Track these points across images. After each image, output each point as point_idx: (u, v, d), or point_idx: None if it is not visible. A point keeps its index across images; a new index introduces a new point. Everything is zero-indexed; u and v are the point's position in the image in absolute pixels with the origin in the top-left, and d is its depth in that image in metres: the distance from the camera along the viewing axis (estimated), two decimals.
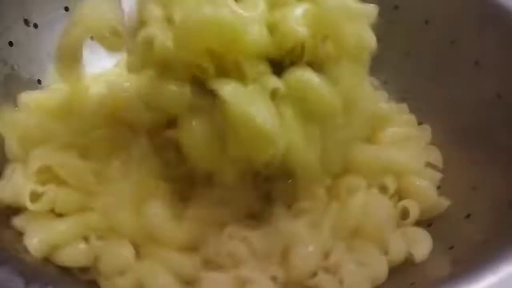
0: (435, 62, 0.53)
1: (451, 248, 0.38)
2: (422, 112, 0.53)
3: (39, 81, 0.50)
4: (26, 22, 0.49)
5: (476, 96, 0.48)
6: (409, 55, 0.56)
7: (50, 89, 0.50)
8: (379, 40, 0.36)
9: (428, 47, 0.54)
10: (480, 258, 0.29)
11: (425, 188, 0.43)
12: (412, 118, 0.52)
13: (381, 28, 0.41)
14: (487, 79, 0.47)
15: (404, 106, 0.54)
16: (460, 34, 0.51)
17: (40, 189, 0.35)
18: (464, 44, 0.50)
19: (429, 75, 0.54)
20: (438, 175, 0.45)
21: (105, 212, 0.35)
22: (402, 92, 0.56)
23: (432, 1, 0.54)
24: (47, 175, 0.36)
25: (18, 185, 0.35)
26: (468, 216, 0.40)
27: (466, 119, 0.48)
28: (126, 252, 0.34)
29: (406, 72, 0.56)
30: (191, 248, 0.35)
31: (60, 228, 0.35)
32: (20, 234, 0.35)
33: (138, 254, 0.35)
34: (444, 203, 0.43)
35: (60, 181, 0.36)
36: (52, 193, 0.35)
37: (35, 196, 0.35)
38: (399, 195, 0.44)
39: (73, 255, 0.34)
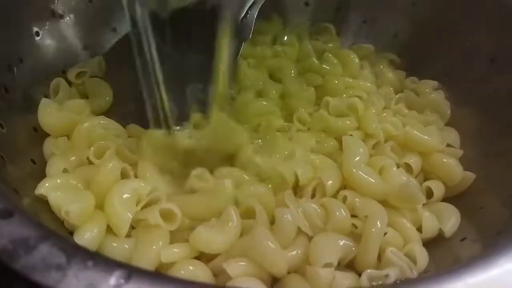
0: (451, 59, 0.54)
1: (463, 239, 0.39)
2: None
3: (63, 71, 0.52)
4: (53, 12, 0.51)
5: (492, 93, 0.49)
6: (425, 52, 0.58)
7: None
8: None
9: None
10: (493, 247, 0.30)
11: (451, 165, 0.45)
12: (440, 93, 0.53)
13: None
14: (502, 76, 0.48)
15: (434, 83, 0.55)
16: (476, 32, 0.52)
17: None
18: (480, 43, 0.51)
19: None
20: (460, 152, 0.47)
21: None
22: None
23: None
24: None
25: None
26: (481, 208, 0.41)
27: (483, 114, 0.49)
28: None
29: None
30: None
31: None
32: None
33: None
34: (470, 177, 0.44)
35: None
36: None
37: None
38: (426, 174, 0.46)
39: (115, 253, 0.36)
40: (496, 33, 0.49)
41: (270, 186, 0.41)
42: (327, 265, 0.34)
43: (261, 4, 0.51)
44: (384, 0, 0.60)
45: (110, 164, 0.39)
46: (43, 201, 0.38)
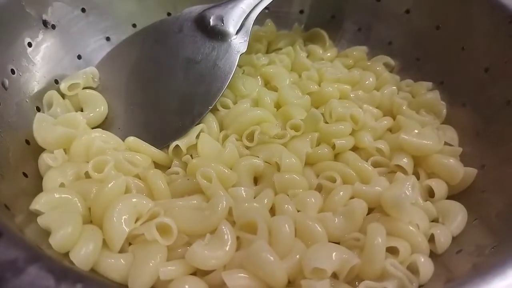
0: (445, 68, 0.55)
1: (459, 251, 0.39)
2: None
3: (56, 81, 0.51)
4: (45, 23, 0.50)
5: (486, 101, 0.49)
6: (420, 60, 0.58)
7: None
8: None
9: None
10: (489, 263, 0.30)
11: (451, 165, 0.45)
12: (435, 93, 0.53)
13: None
14: (495, 85, 0.48)
15: (428, 84, 0.55)
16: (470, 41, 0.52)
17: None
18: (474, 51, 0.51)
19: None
20: (459, 150, 0.47)
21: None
22: None
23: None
24: None
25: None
26: (475, 219, 0.41)
27: (477, 123, 0.49)
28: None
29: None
30: None
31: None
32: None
33: None
34: (472, 172, 0.44)
35: None
36: None
37: None
38: (428, 175, 0.46)
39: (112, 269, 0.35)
40: (490, 41, 0.49)
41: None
42: (320, 273, 0.34)
43: (256, 16, 0.51)
44: (379, 8, 0.60)
45: (120, 179, 0.39)
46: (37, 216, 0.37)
